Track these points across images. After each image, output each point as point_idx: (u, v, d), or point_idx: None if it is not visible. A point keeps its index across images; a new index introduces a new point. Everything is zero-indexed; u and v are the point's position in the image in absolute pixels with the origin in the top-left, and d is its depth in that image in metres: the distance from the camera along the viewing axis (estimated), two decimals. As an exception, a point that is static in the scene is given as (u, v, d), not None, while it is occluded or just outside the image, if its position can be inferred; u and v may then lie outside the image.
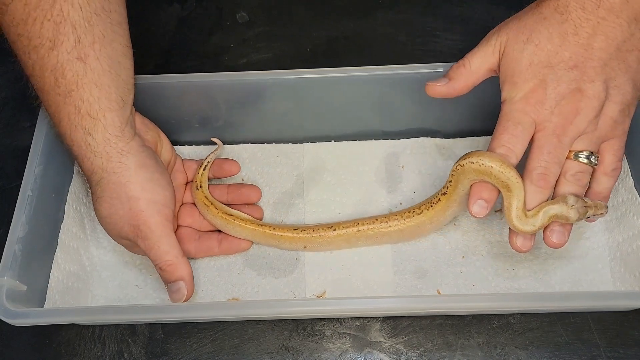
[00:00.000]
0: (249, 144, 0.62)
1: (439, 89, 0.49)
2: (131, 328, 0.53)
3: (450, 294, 0.52)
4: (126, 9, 0.50)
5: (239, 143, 0.62)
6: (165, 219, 0.50)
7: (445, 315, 0.52)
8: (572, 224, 0.47)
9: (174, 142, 0.59)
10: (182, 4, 0.72)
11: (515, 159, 0.46)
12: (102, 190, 0.49)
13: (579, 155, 0.46)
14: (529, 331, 0.51)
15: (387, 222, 0.53)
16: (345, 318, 0.52)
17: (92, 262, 0.55)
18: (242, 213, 0.55)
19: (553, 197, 0.46)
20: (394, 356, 0.50)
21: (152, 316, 0.49)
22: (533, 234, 0.47)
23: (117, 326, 0.53)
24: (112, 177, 0.48)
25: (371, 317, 0.52)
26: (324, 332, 0.52)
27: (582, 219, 0.46)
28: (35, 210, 0.50)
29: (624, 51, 0.44)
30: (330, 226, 0.54)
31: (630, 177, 0.53)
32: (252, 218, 0.55)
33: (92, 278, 0.55)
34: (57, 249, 0.52)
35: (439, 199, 0.50)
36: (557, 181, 0.46)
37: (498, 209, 0.56)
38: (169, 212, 0.51)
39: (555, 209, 0.45)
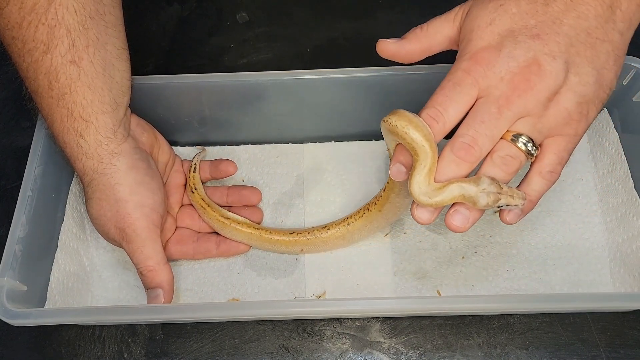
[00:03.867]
0: (249, 145, 0.62)
1: (389, 46, 0.44)
2: (131, 328, 0.53)
3: (450, 295, 0.52)
4: (122, 10, 0.50)
5: (239, 144, 0.62)
6: (152, 224, 0.49)
7: (445, 316, 0.52)
8: (481, 211, 0.41)
9: (174, 143, 0.59)
10: (182, 4, 0.72)
11: (442, 124, 0.40)
12: (92, 191, 0.49)
13: (518, 138, 0.39)
14: (529, 331, 0.51)
15: (367, 210, 0.52)
16: (345, 318, 0.52)
17: (92, 263, 0.55)
18: (239, 216, 0.55)
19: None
20: (394, 356, 0.50)
21: (152, 317, 0.49)
22: (434, 208, 0.41)
23: (117, 326, 0.53)
24: (102, 178, 0.48)
25: (371, 318, 0.52)
26: (323, 333, 0.52)
27: (492, 207, 0.40)
28: (35, 211, 0.50)
29: (594, 38, 0.40)
30: (324, 227, 0.54)
31: (630, 178, 0.53)
32: (248, 221, 0.55)
33: (92, 278, 0.55)
34: (57, 250, 0.52)
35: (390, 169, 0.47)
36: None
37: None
38: (157, 217, 0.50)
39: (463, 188, 0.39)
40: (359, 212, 0.53)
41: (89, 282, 0.54)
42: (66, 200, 0.55)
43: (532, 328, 0.51)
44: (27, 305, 0.47)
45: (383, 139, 0.60)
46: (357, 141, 0.61)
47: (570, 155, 0.42)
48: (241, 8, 0.71)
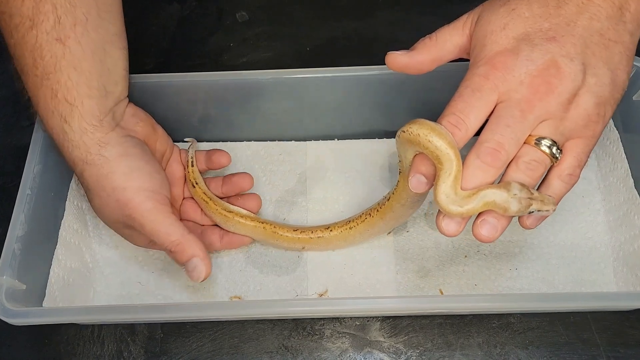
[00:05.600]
0: (252, 142, 0.61)
1: (399, 58, 0.44)
2: (130, 327, 0.52)
3: (452, 294, 0.52)
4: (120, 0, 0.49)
5: (242, 141, 0.61)
6: (159, 203, 0.47)
7: (445, 315, 0.52)
8: (509, 218, 0.40)
9: (175, 141, 0.59)
10: (182, 3, 0.72)
11: (465, 131, 0.39)
12: (87, 183, 0.47)
13: (541, 141, 0.39)
14: (529, 331, 0.51)
15: (369, 215, 0.52)
16: (345, 317, 0.52)
17: (94, 259, 0.55)
18: (242, 209, 0.54)
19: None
20: (394, 356, 0.50)
21: (152, 316, 0.49)
22: (462, 218, 0.40)
23: (116, 325, 0.53)
24: (92, 169, 0.46)
25: (371, 317, 0.52)
26: (323, 332, 0.52)
27: (523, 213, 0.39)
28: (34, 209, 0.49)
29: (606, 39, 0.40)
30: (327, 227, 0.54)
31: (631, 177, 0.53)
32: (251, 214, 0.54)
33: (94, 274, 0.55)
34: (57, 245, 0.52)
35: (398, 180, 0.47)
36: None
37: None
38: (161, 197, 0.48)
39: (494, 194, 0.38)
40: (360, 216, 0.53)
41: (90, 278, 0.54)
42: (66, 198, 0.55)
43: (532, 327, 0.51)
44: (26, 305, 0.47)
45: (385, 137, 0.61)
46: (360, 139, 0.61)
47: (588, 157, 0.41)
48: (241, 7, 0.71)
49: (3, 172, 0.61)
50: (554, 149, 0.39)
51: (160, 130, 0.55)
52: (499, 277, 0.53)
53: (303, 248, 0.54)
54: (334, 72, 0.55)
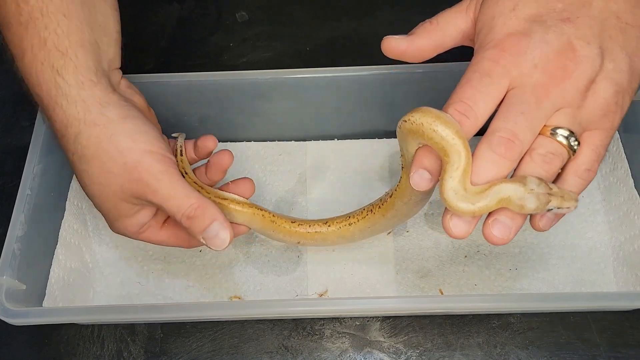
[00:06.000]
0: (252, 142, 0.61)
1: (397, 43, 0.40)
2: (130, 327, 0.52)
3: (452, 294, 0.52)
4: None
5: (242, 141, 0.61)
6: (170, 166, 0.42)
7: (445, 315, 0.52)
8: (524, 217, 0.36)
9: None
10: (182, 3, 0.72)
11: (474, 119, 0.35)
12: (83, 147, 0.41)
13: (557, 131, 0.35)
14: (529, 331, 0.51)
15: (370, 212, 0.49)
16: (345, 317, 0.52)
17: (94, 259, 0.55)
18: (237, 196, 0.49)
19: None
20: (394, 355, 0.50)
21: (152, 316, 0.49)
22: (473, 217, 0.35)
23: (116, 325, 0.52)
24: (93, 130, 0.41)
25: (371, 317, 0.52)
26: (323, 332, 0.52)
27: (541, 211, 0.35)
28: (34, 209, 0.49)
29: (623, 22, 0.36)
30: (325, 222, 0.50)
31: (631, 177, 0.53)
32: (248, 201, 0.49)
33: (94, 275, 0.55)
34: (57, 245, 0.52)
35: (401, 176, 0.43)
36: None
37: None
38: (171, 161, 0.43)
39: (509, 189, 0.34)
40: (362, 212, 0.49)
41: (90, 278, 0.54)
42: (67, 197, 0.55)
43: (533, 327, 0.51)
44: (26, 305, 0.47)
45: (385, 137, 0.61)
46: (360, 139, 0.61)
47: (606, 151, 0.38)
48: (241, 7, 0.71)
49: (3, 172, 0.61)
50: (572, 140, 0.35)
51: (152, 112, 0.51)
52: (499, 277, 0.53)
53: (298, 243, 0.51)
54: (334, 72, 0.55)
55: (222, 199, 0.48)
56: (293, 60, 0.67)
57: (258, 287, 0.54)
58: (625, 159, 0.54)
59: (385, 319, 0.52)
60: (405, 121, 0.36)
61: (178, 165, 0.50)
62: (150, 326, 0.52)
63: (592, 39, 0.35)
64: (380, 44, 0.41)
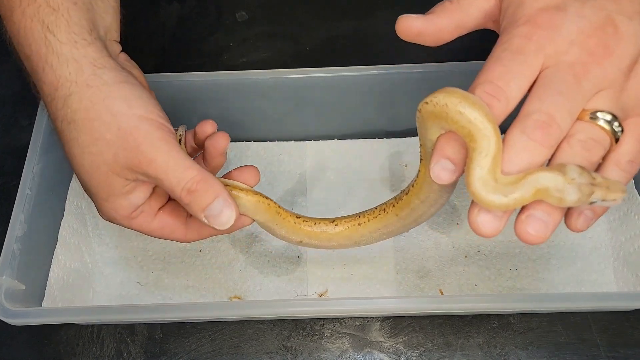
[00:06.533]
0: (252, 142, 0.61)
1: (414, 23, 0.36)
2: (130, 328, 0.52)
3: (452, 295, 0.52)
4: None
5: (242, 141, 0.61)
6: (168, 135, 0.39)
7: (445, 315, 0.52)
8: (563, 211, 0.32)
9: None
10: (182, 3, 0.72)
11: (505, 102, 0.31)
12: (73, 111, 0.38)
13: (598, 115, 0.31)
14: (529, 331, 0.51)
15: (383, 211, 0.44)
16: (345, 318, 0.52)
17: (94, 259, 0.55)
18: (240, 183, 0.45)
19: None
20: (394, 356, 0.50)
21: (152, 316, 0.49)
22: (504, 212, 0.31)
23: (115, 326, 0.52)
24: (86, 92, 0.38)
25: (371, 317, 0.52)
26: (323, 332, 0.52)
27: (584, 204, 0.30)
28: (34, 209, 0.49)
29: None
30: (332, 220, 0.47)
31: (631, 176, 0.53)
32: (252, 189, 0.45)
33: (94, 275, 0.55)
34: (57, 245, 0.52)
35: (419, 170, 0.38)
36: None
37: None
38: (169, 129, 0.39)
39: (546, 179, 0.29)
40: (373, 211, 0.45)
41: (90, 278, 0.54)
42: (66, 197, 0.55)
43: (533, 327, 0.51)
44: (25, 305, 0.47)
45: (385, 137, 0.61)
46: (360, 139, 0.61)
47: None
48: (241, 7, 0.71)
49: (2, 172, 0.60)
50: (615, 125, 0.31)
51: (153, 93, 0.46)
52: (499, 277, 0.53)
53: (300, 242, 0.47)
54: (334, 72, 0.55)
55: (224, 185, 0.43)
56: (293, 60, 0.67)
57: (258, 287, 0.54)
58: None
59: (385, 319, 0.52)
60: (427, 103, 0.32)
61: None
62: (150, 326, 0.52)
63: (634, 14, 0.32)
64: (395, 24, 0.37)
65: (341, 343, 0.51)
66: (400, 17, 0.37)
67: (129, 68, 0.44)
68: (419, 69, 0.54)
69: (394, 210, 0.43)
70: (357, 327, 0.52)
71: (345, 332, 0.52)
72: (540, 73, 0.32)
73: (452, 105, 0.30)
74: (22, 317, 0.45)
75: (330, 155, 0.61)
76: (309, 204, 0.58)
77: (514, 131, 0.31)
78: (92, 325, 0.52)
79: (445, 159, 0.32)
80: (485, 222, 0.31)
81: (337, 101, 0.57)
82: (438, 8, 0.37)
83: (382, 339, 0.51)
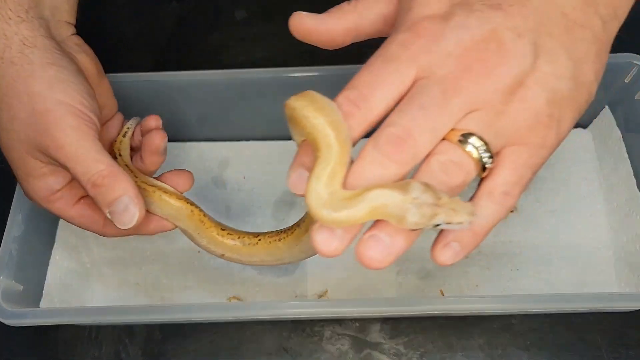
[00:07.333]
0: (251, 142, 0.61)
1: (305, 21, 0.34)
2: (128, 328, 0.52)
3: (453, 296, 0.52)
4: None
5: (241, 140, 0.61)
6: (84, 124, 0.37)
7: (446, 316, 0.51)
8: (409, 234, 0.29)
9: (172, 140, 0.58)
10: (181, 1, 0.71)
11: (365, 111, 0.29)
12: None
13: (467, 138, 0.28)
14: (530, 332, 0.51)
15: (297, 225, 0.42)
16: (344, 319, 0.52)
17: (91, 260, 0.55)
18: (167, 185, 0.44)
19: None
20: (394, 357, 0.50)
21: (150, 317, 0.48)
22: (345, 231, 0.28)
23: (114, 326, 0.52)
24: (8, 69, 0.37)
25: (371, 318, 0.52)
26: (323, 333, 0.51)
27: (426, 225, 0.28)
28: (31, 209, 0.49)
29: (571, 20, 0.30)
30: (256, 235, 0.44)
31: (633, 176, 0.53)
32: (178, 193, 0.44)
33: (91, 275, 0.54)
34: (54, 246, 0.52)
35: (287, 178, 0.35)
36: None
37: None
38: (89, 119, 0.38)
39: (384, 196, 0.27)
40: (291, 227, 0.43)
41: (88, 279, 0.54)
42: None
43: (534, 328, 0.51)
44: (23, 305, 0.47)
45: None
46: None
47: (534, 174, 0.31)
48: (239, 5, 0.71)
49: (2, 172, 0.60)
50: (483, 152, 0.29)
51: (106, 82, 0.45)
52: (500, 278, 0.53)
53: (222, 255, 0.45)
54: (333, 71, 0.54)
55: (149, 185, 0.43)
56: (292, 59, 0.67)
57: (257, 288, 0.54)
58: (628, 159, 0.54)
59: (386, 320, 0.52)
60: (285, 105, 0.30)
61: (115, 146, 0.46)
62: (149, 327, 0.52)
63: (525, 32, 0.29)
64: (289, 20, 0.35)
65: (341, 344, 0.51)
66: (293, 13, 0.34)
67: (75, 52, 0.42)
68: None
69: (305, 225, 0.42)
70: (357, 328, 0.51)
71: (345, 333, 0.51)
72: (412, 85, 0.29)
73: (299, 109, 0.29)
74: (20, 317, 0.44)
75: (330, 154, 0.60)
76: (308, 204, 0.58)
77: (368, 143, 0.29)
78: (90, 326, 0.52)
79: (302, 168, 0.30)
80: (323, 240, 0.28)
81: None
82: (334, 9, 0.35)
83: (382, 340, 0.51)
